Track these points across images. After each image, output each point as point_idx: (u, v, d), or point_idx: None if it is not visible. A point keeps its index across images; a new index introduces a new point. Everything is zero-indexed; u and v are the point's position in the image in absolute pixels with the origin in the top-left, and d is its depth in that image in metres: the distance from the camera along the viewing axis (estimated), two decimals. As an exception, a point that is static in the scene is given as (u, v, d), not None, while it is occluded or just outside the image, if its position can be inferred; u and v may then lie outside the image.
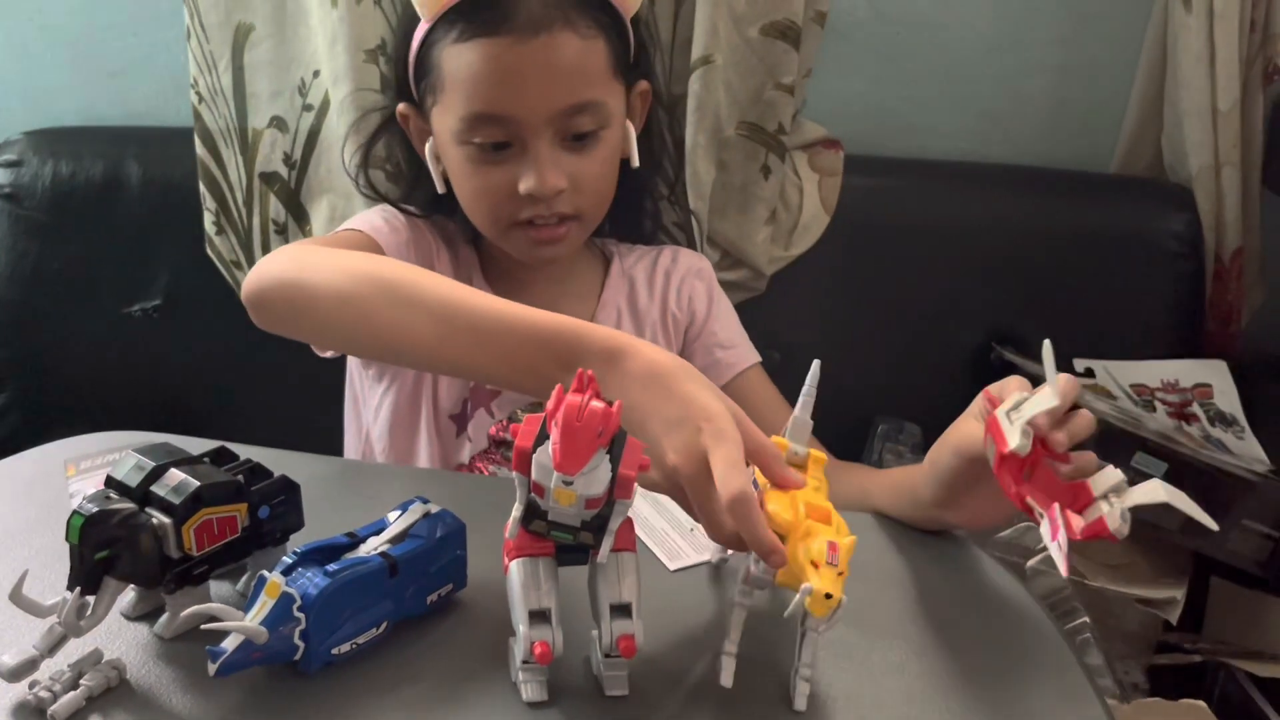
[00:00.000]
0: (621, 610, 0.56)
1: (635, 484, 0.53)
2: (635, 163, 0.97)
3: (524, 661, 0.56)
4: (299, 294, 0.77)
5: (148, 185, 1.32)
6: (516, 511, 0.54)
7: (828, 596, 0.51)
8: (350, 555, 0.60)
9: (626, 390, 0.61)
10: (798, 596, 0.51)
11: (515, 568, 0.56)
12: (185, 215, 1.30)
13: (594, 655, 0.59)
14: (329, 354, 0.94)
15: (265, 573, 0.57)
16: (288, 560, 0.58)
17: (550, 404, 0.53)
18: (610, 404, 0.52)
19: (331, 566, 0.58)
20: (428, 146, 0.95)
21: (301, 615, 0.56)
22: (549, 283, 1.02)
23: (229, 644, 0.54)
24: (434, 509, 0.64)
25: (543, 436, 0.53)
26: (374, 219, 0.98)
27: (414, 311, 0.71)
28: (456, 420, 0.99)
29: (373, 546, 0.61)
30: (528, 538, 0.56)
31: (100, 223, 1.32)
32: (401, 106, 0.98)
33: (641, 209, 1.10)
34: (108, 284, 1.33)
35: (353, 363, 1.06)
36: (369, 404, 1.02)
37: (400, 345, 0.73)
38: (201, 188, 1.29)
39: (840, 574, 0.52)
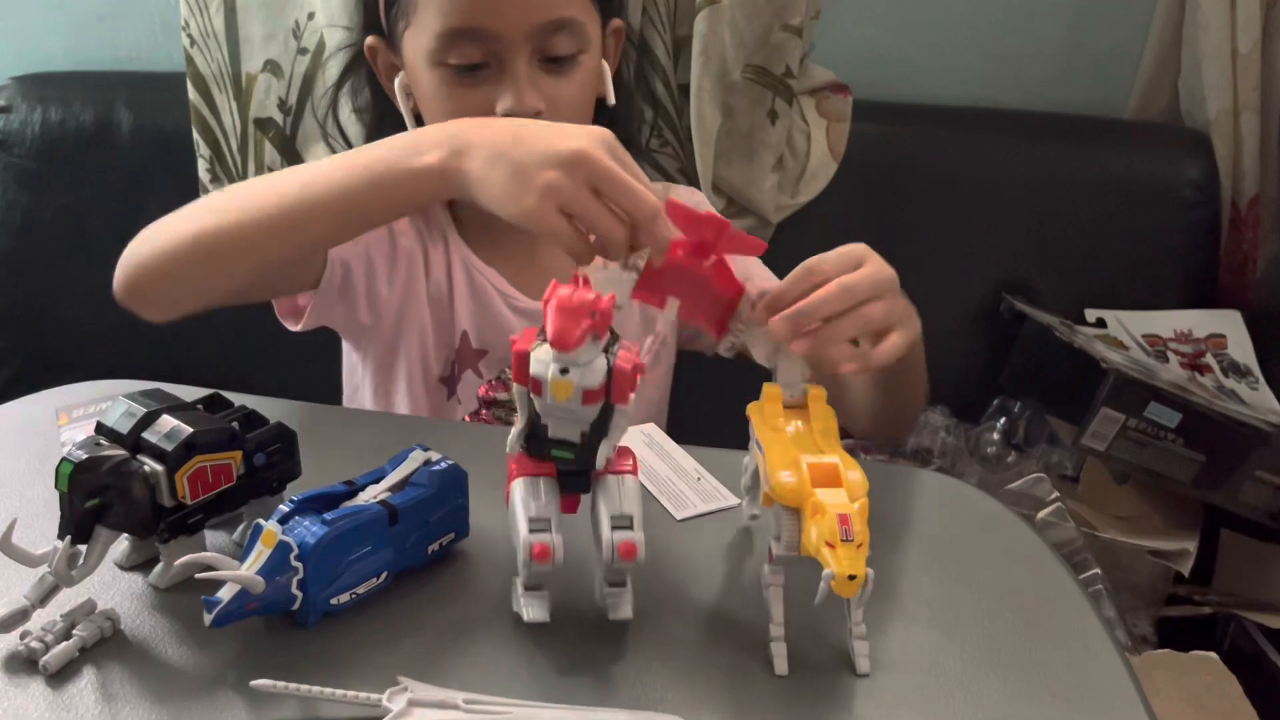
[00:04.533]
0: (623, 521, 0.54)
1: (634, 388, 0.53)
2: (611, 100, 0.93)
3: (524, 568, 0.55)
4: (158, 262, 0.77)
5: (139, 131, 1.29)
6: (518, 425, 0.54)
7: (851, 578, 0.49)
8: (349, 504, 0.58)
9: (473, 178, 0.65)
10: (821, 584, 0.49)
11: (517, 486, 0.55)
12: (178, 162, 1.28)
13: (597, 586, 0.57)
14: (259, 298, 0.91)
15: (261, 521, 0.55)
16: (284, 509, 0.57)
17: (545, 296, 0.52)
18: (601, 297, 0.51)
19: (329, 515, 0.56)
20: (397, 81, 0.91)
21: (299, 564, 0.54)
22: (532, 236, 0.98)
23: (225, 594, 0.52)
24: (434, 457, 0.62)
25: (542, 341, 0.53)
26: None
27: (264, 208, 0.74)
28: (446, 383, 0.97)
29: (372, 495, 0.60)
30: (529, 460, 0.55)
31: (91, 170, 1.30)
32: (370, 39, 0.93)
33: None
34: (100, 233, 1.29)
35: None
36: (358, 369, 1.00)
37: (272, 244, 0.75)
38: (195, 134, 1.26)
39: (859, 546, 0.50)
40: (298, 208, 0.73)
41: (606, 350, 0.53)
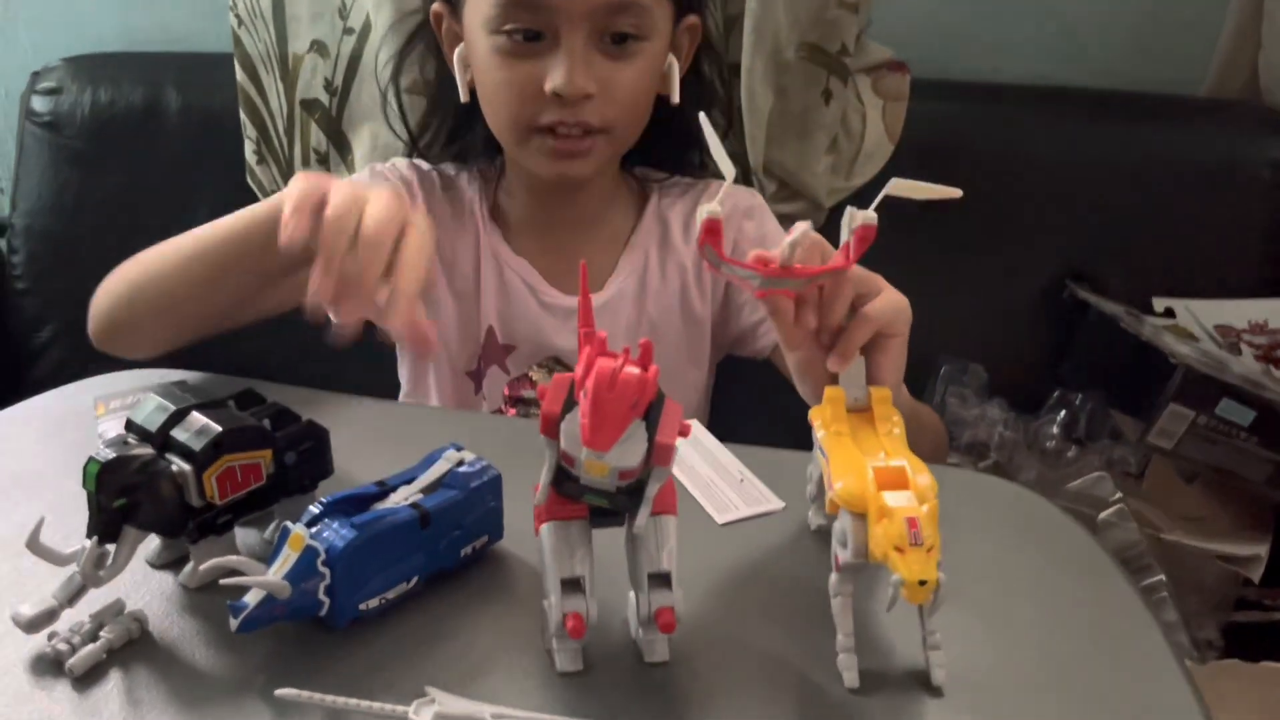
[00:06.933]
0: (660, 580, 0.52)
1: (675, 451, 0.49)
2: (675, 99, 0.90)
3: (556, 629, 0.52)
4: (115, 313, 0.81)
5: (187, 113, 1.30)
6: (545, 476, 0.50)
7: (922, 583, 0.47)
8: (379, 506, 0.57)
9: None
10: (891, 591, 0.47)
11: (547, 532, 0.52)
12: (226, 144, 1.28)
13: (632, 620, 0.55)
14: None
15: (289, 524, 0.54)
16: (313, 511, 0.55)
17: (579, 369, 0.48)
18: (645, 369, 0.47)
19: (359, 518, 0.55)
20: (457, 52, 0.89)
21: (326, 570, 0.53)
22: (574, 228, 0.96)
23: (251, 599, 0.51)
24: (468, 457, 0.61)
25: (571, 402, 0.48)
26: None
27: (179, 266, 0.77)
28: (473, 377, 0.96)
29: (403, 496, 0.58)
30: (559, 500, 0.51)
31: (141, 152, 1.30)
32: (436, 5, 0.92)
33: (686, 151, 1.01)
34: (149, 215, 1.30)
35: None
36: (400, 361, 1.00)
37: (191, 301, 0.78)
38: (242, 115, 1.26)
39: (929, 550, 0.48)
40: (197, 261, 0.76)
41: (647, 416, 0.48)
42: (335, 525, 0.54)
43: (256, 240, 0.71)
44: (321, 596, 0.53)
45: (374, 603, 0.56)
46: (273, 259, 0.64)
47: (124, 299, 0.80)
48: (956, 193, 0.57)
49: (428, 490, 0.59)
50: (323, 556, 0.53)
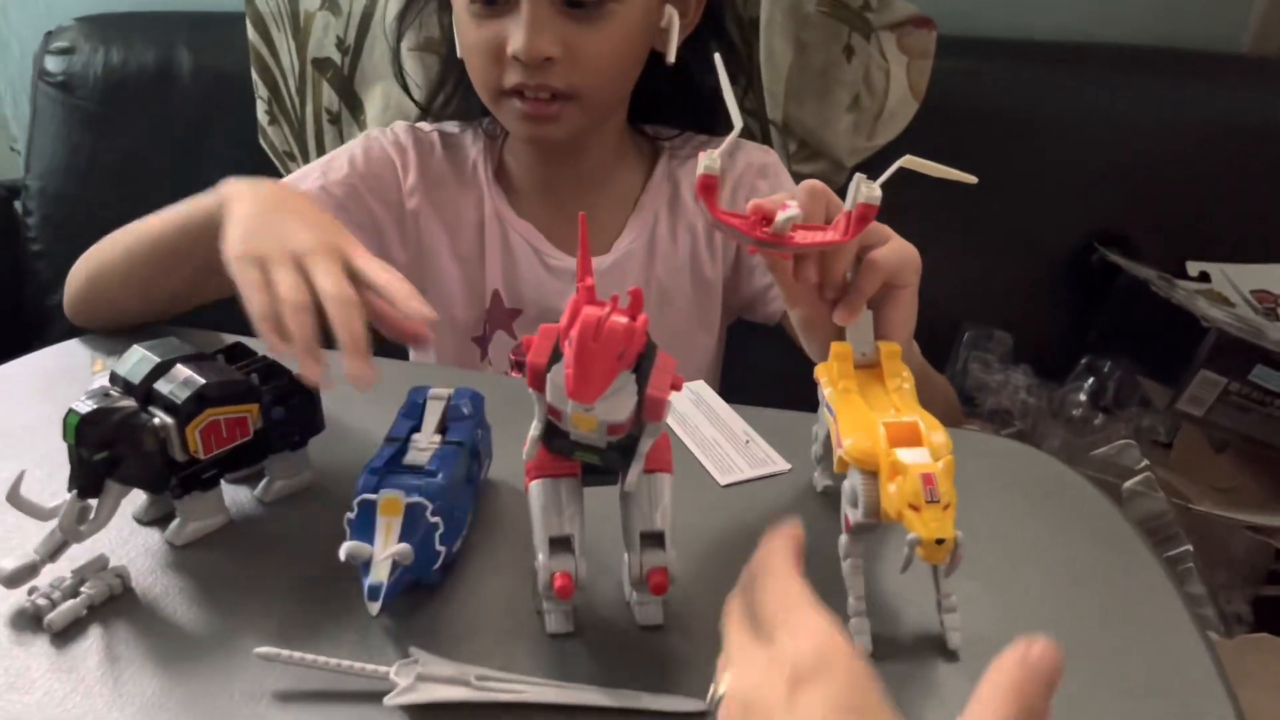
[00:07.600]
0: (653, 539, 0.49)
1: (668, 405, 0.46)
2: (670, 59, 0.86)
3: (545, 589, 0.50)
4: (79, 295, 0.80)
5: (199, 73, 1.28)
6: (534, 431, 0.48)
7: (939, 542, 0.45)
8: (413, 456, 0.55)
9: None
10: (906, 550, 0.45)
11: (535, 489, 0.50)
12: (238, 104, 1.26)
13: (625, 581, 0.53)
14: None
15: (369, 496, 0.51)
16: (373, 479, 0.52)
17: (564, 318, 0.45)
18: (634, 319, 0.44)
19: (431, 465, 0.53)
20: (454, 10, 0.87)
21: (438, 519, 0.51)
22: (579, 189, 0.93)
23: (380, 575, 0.49)
24: (443, 391, 0.60)
25: (558, 353, 0.46)
26: (311, 170, 0.91)
27: (129, 261, 0.77)
28: (478, 342, 0.94)
29: (429, 440, 0.56)
30: (549, 457, 0.49)
31: (153, 112, 1.29)
32: None
33: (698, 107, 0.96)
34: (162, 176, 1.29)
35: None
36: None
37: (149, 292, 0.78)
38: (254, 75, 1.24)
39: (946, 507, 0.46)
40: (137, 254, 0.76)
41: (638, 369, 0.45)
42: (408, 479, 0.52)
43: (198, 238, 0.71)
44: (439, 546, 0.52)
45: (458, 544, 0.55)
46: (211, 253, 0.65)
47: (88, 278, 0.80)
48: (971, 179, 0.55)
49: (440, 429, 0.57)
50: (430, 508, 0.51)
